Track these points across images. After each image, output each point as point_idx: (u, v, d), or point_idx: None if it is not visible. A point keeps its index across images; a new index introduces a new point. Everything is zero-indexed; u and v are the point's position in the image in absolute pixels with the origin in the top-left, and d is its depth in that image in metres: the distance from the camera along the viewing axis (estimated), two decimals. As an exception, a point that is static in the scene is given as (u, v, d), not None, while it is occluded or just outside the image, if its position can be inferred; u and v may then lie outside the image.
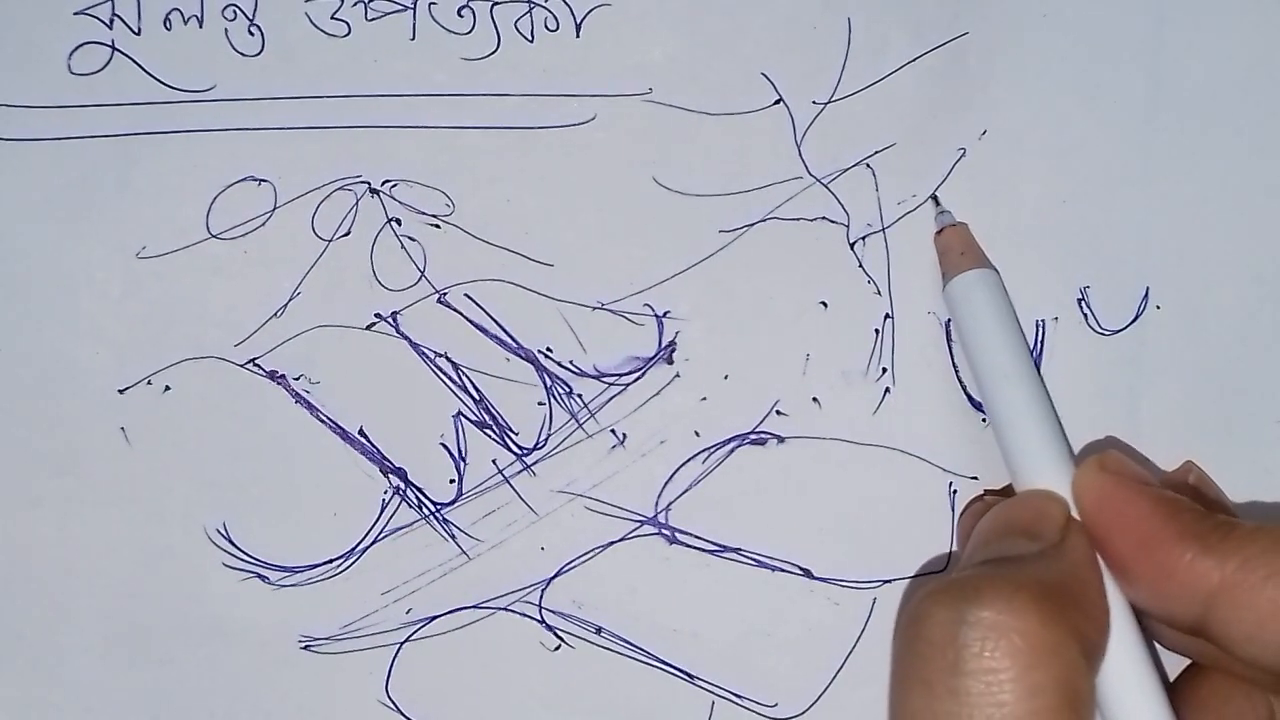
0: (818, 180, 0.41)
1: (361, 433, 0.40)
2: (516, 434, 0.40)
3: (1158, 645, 0.35)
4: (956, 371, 0.40)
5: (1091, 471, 0.35)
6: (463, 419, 0.40)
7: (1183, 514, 0.33)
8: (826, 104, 0.40)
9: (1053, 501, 0.35)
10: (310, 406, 0.40)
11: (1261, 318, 0.41)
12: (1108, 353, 0.41)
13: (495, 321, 0.40)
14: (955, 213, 0.41)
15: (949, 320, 0.40)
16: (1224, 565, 0.31)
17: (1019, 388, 0.37)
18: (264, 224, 0.40)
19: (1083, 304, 0.41)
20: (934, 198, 0.39)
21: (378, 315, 0.40)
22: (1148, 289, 0.41)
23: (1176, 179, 0.41)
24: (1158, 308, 0.41)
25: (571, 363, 0.40)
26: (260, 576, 0.40)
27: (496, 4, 0.40)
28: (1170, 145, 0.41)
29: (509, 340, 0.40)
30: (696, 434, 0.40)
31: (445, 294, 0.40)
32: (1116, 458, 0.35)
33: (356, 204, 0.40)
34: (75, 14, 0.40)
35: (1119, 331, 0.41)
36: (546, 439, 0.40)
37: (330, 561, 0.40)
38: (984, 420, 0.40)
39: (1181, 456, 0.41)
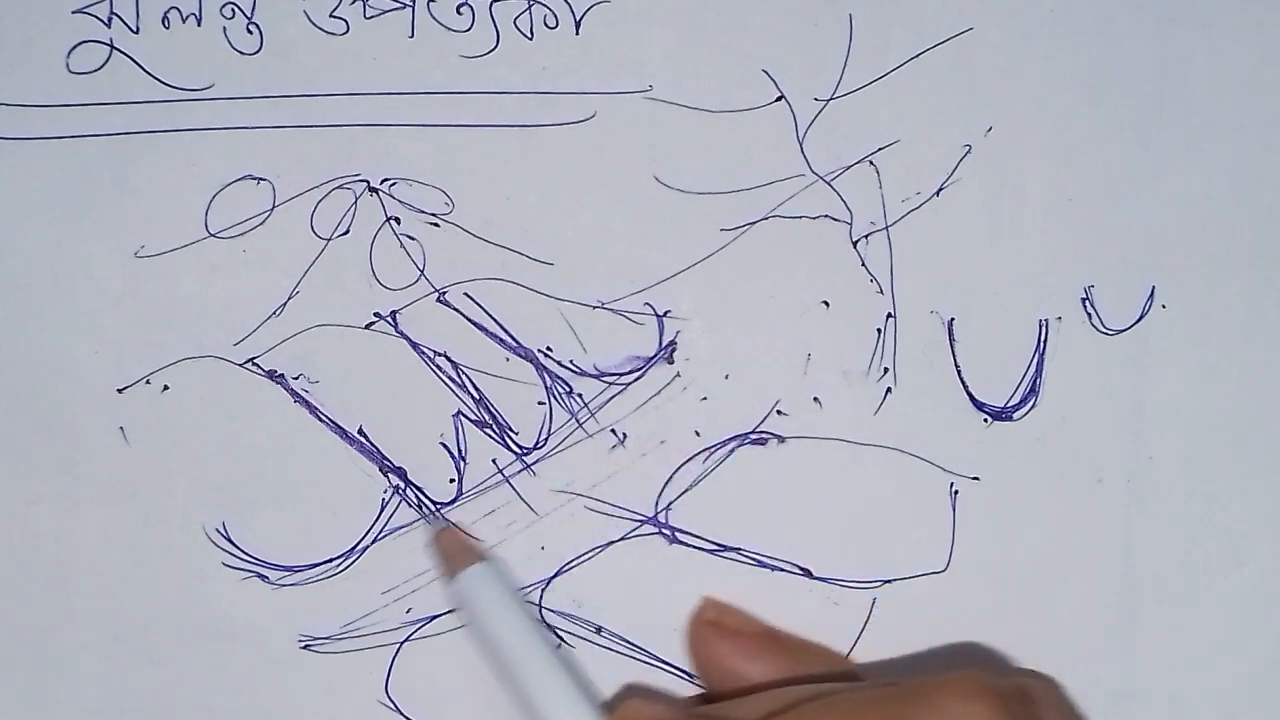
0: (820, 178, 0.40)
1: (361, 432, 0.40)
2: (516, 433, 0.40)
3: None
4: (959, 371, 0.40)
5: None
6: (462, 418, 0.40)
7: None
8: (828, 101, 0.40)
9: None
10: (309, 406, 0.40)
11: (1267, 317, 0.41)
12: (1112, 352, 0.41)
13: (495, 320, 0.40)
14: (958, 211, 0.40)
15: (952, 319, 0.40)
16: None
17: (541, 663, 0.37)
18: (263, 223, 0.40)
19: (1087, 303, 0.40)
20: (424, 511, 0.39)
21: (377, 314, 0.40)
22: (1153, 288, 0.41)
23: (1182, 177, 0.41)
24: (1163, 307, 0.41)
25: (572, 362, 0.40)
26: (260, 576, 0.40)
27: (495, 1, 0.40)
28: (1176, 142, 0.41)
29: (509, 339, 0.40)
30: (697, 434, 0.40)
31: (445, 293, 0.40)
32: (633, 707, 0.35)
33: (355, 203, 0.40)
34: (73, 12, 0.39)
35: (1123, 331, 0.41)
36: (546, 438, 0.40)
37: (330, 561, 0.40)
38: (986, 421, 0.40)
39: (1186, 456, 0.40)
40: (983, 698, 0.32)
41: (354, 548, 0.40)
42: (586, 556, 0.40)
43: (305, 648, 0.40)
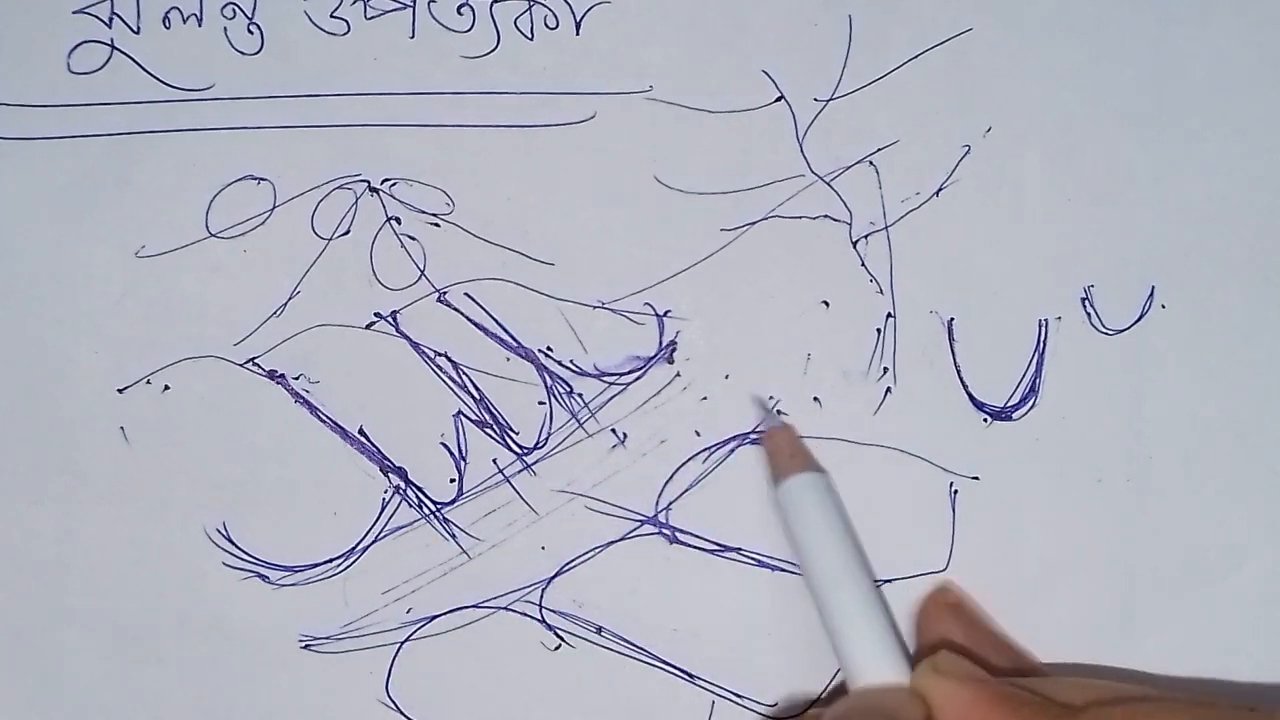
0: (820, 178, 0.40)
1: (361, 432, 0.40)
2: (517, 433, 0.40)
3: None
4: (958, 371, 0.40)
5: (928, 675, 0.36)
6: (463, 418, 0.40)
7: (1024, 708, 0.34)
8: (828, 101, 0.40)
9: (914, 700, 0.36)
10: (310, 406, 0.40)
11: (1268, 317, 0.41)
12: (1112, 352, 0.41)
13: (495, 320, 0.40)
14: (957, 211, 0.40)
15: (952, 319, 0.40)
16: None
17: (851, 591, 0.37)
18: (263, 223, 0.40)
19: (1087, 303, 0.40)
20: (763, 404, 0.39)
21: (377, 314, 0.40)
22: (1153, 288, 0.41)
23: (1182, 177, 0.41)
24: (1163, 307, 0.41)
25: (572, 362, 0.40)
26: (260, 576, 0.40)
27: (496, 2, 0.40)
28: (1176, 142, 0.41)
29: (509, 339, 0.40)
30: (697, 434, 0.40)
31: (445, 293, 0.40)
32: (949, 659, 0.36)
33: (356, 203, 0.40)
34: (74, 13, 0.39)
35: (1123, 331, 0.41)
36: (547, 438, 0.40)
37: (330, 561, 0.40)
38: (985, 420, 0.40)
39: (1186, 456, 0.40)
40: None
41: (354, 548, 0.40)
42: (587, 556, 0.40)
43: (305, 647, 0.40)
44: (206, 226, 0.40)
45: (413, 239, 0.40)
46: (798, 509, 0.38)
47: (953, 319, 0.40)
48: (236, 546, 0.40)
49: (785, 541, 0.38)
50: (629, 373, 0.40)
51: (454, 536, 0.40)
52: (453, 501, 0.40)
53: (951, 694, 0.35)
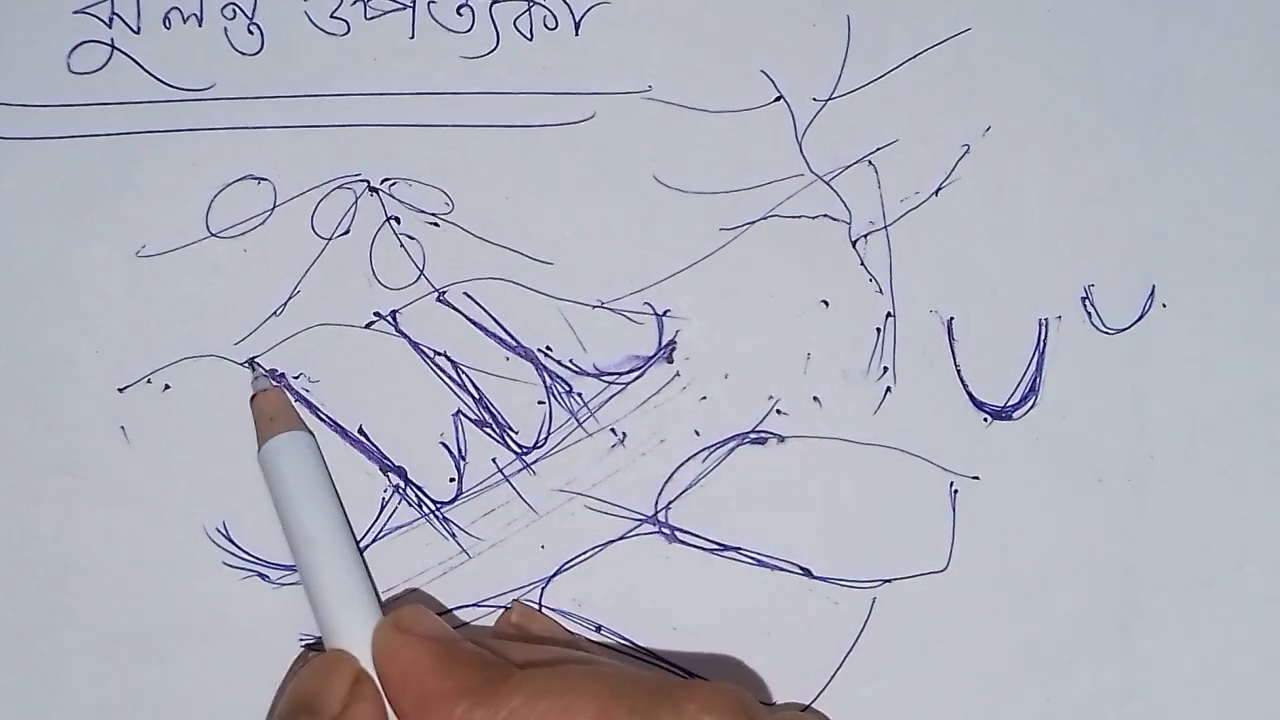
0: (819, 178, 0.40)
1: (361, 431, 0.40)
2: (516, 433, 0.40)
3: None
4: (958, 371, 0.40)
5: (384, 630, 0.36)
6: (462, 418, 0.40)
7: (460, 668, 0.34)
8: (827, 101, 0.40)
9: (337, 667, 0.36)
10: (310, 405, 0.40)
11: (1268, 316, 0.41)
12: (1112, 352, 0.41)
13: (495, 320, 0.40)
14: (957, 211, 0.40)
15: (951, 319, 0.40)
16: (494, 714, 0.33)
17: (323, 550, 0.37)
18: (263, 222, 0.40)
19: (1087, 302, 0.40)
20: (251, 363, 0.39)
21: (377, 314, 0.40)
22: (1153, 287, 0.41)
23: (1182, 176, 0.41)
24: (1164, 306, 0.41)
25: (571, 361, 0.40)
26: (260, 575, 0.40)
27: (495, 2, 0.40)
28: (1175, 141, 0.41)
29: (508, 339, 0.40)
30: (696, 433, 0.40)
31: (445, 292, 0.40)
32: (412, 613, 0.36)
33: (356, 202, 0.40)
34: (75, 13, 0.40)
35: (1124, 330, 0.41)
36: (546, 438, 0.40)
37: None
38: (986, 420, 0.40)
39: (1186, 456, 0.40)
40: (730, 714, 0.32)
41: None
42: (586, 555, 0.40)
43: (306, 646, 0.40)
44: (207, 226, 0.40)
45: (412, 239, 0.40)
46: (276, 470, 0.38)
47: (952, 319, 0.40)
48: (236, 546, 0.40)
49: (271, 503, 0.38)
50: (628, 372, 0.40)
51: (454, 536, 0.40)
52: (452, 501, 0.40)
53: (395, 651, 0.35)
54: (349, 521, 0.38)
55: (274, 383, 0.39)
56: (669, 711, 0.32)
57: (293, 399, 0.40)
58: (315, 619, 0.37)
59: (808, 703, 0.40)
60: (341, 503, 0.39)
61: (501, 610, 0.40)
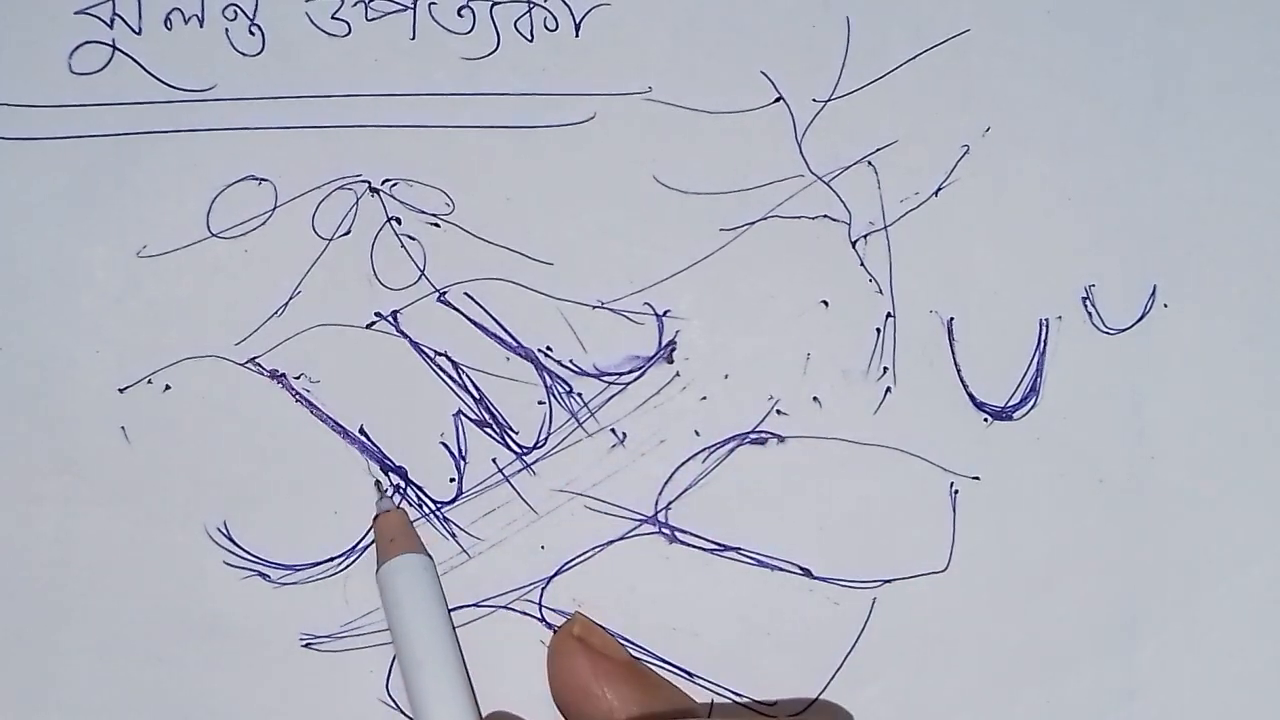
0: (819, 178, 0.40)
1: (362, 431, 0.40)
2: (516, 433, 0.40)
3: None
4: (958, 371, 0.40)
5: (563, 640, 0.38)
6: (463, 418, 0.40)
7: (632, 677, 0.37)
8: (827, 102, 0.40)
9: None
10: (310, 405, 0.40)
11: (1268, 316, 0.41)
12: (1113, 352, 0.41)
13: (495, 320, 0.40)
14: (956, 211, 0.40)
15: (951, 319, 0.40)
16: None
17: (432, 674, 0.37)
18: (264, 223, 0.40)
19: (1088, 302, 0.40)
20: (377, 483, 0.39)
21: (378, 314, 0.40)
22: (1154, 287, 0.41)
23: (1182, 175, 0.41)
24: (1165, 306, 0.41)
25: (571, 362, 0.40)
26: (261, 575, 0.40)
27: (496, 4, 0.40)
28: (1175, 141, 0.41)
29: (509, 339, 0.40)
30: (696, 433, 0.40)
31: (445, 293, 0.40)
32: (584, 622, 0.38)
33: (356, 203, 0.40)
34: (76, 13, 0.40)
35: (1125, 330, 0.41)
36: (546, 438, 0.40)
37: (331, 560, 0.40)
38: (986, 420, 0.40)
39: (1187, 456, 0.40)
40: None
41: (355, 547, 0.40)
42: (586, 556, 0.40)
43: (306, 646, 0.40)
44: (207, 226, 0.40)
45: (413, 239, 0.40)
46: (394, 591, 0.38)
47: (953, 319, 0.40)
48: (237, 545, 0.40)
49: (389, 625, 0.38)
50: (628, 372, 0.40)
51: (454, 536, 0.40)
52: (452, 501, 0.40)
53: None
54: (459, 647, 0.38)
55: (397, 505, 0.39)
56: None
57: (294, 393, 0.40)
58: None
59: (809, 703, 0.40)
60: (454, 627, 0.39)
61: (497, 611, 0.40)
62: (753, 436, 0.40)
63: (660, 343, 0.40)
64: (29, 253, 0.40)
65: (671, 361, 0.40)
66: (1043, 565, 0.40)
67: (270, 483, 0.40)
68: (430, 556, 0.39)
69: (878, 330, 0.40)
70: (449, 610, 0.39)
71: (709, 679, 0.40)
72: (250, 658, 0.39)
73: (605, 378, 0.40)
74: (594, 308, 0.40)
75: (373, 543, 0.40)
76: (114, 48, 0.40)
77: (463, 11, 0.40)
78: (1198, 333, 0.41)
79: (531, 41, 0.40)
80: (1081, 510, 0.40)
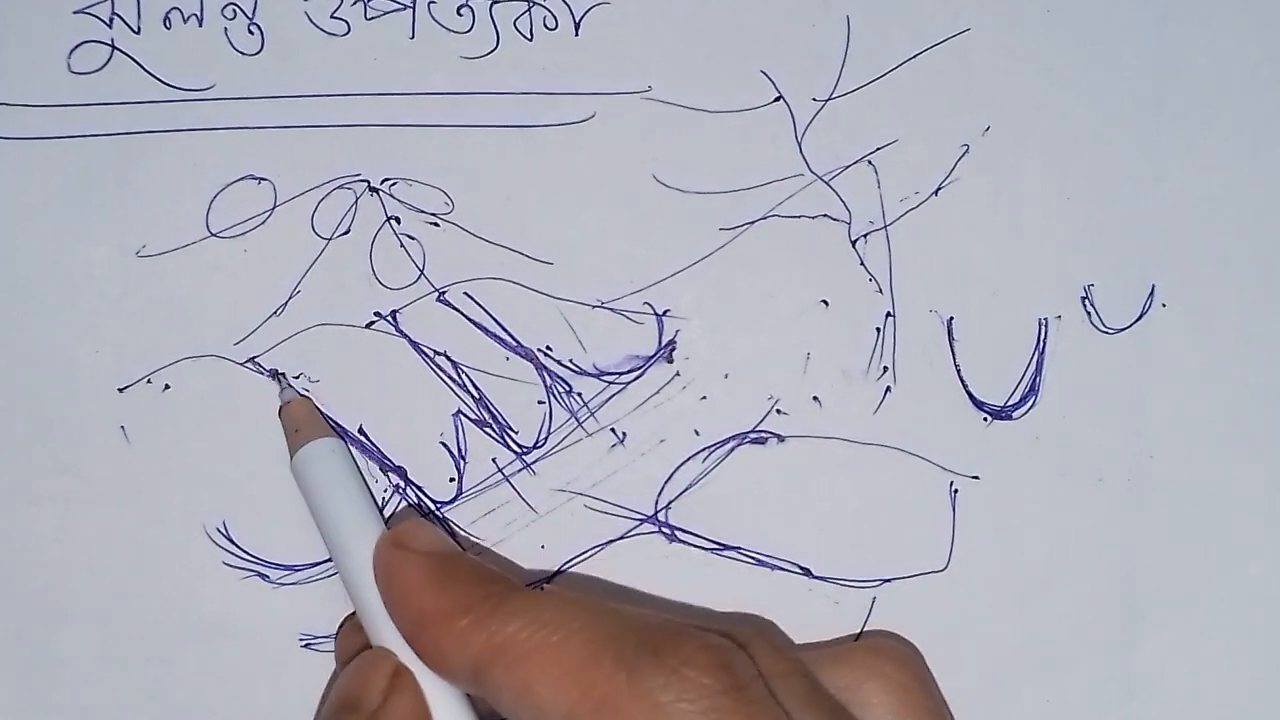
0: (819, 178, 0.40)
1: (361, 431, 0.40)
2: (516, 432, 0.40)
3: None
4: (958, 371, 0.40)
5: (382, 547, 0.36)
6: (462, 417, 0.40)
7: (459, 584, 0.34)
8: (827, 101, 0.40)
9: (377, 664, 0.35)
10: (310, 405, 0.40)
11: (1268, 316, 0.41)
12: (1112, 351, 0.41)
13: (495, 320, 0.40)
14: (956, 211, 0.40)
15: (951, 318, 0.40)
16: (492, 638, 0.32)
17: (362, 553, 0.36)
18: (263, 222, 0.40)
19: (1086, 302, 0.40)
20: (275, 374, 0.39)
21: (377, 314, 0.40)
22: (1153, 286, 0.41)
23: (1182, 175, 0.41)
24: (1163, 305, 0.41)
25: (571, 361, 0.40)
26: (261, 575, 0.40)
27: (495, 2, 0.40)
28: (1175, 141, 0.41)
29: (508, 339, 0.40)
30: (696, 433, 0.40)
31: (445, 292, 0.40)
32: (411, 527, 0.36)
33: (356, 202, 0.40)
34: (75, 13, 0.40)
35: (1124, 330, 0.41)
36: (546, 437, 0.40)
37: (331, 560, 0.40)
38: (986, 420, 0.40)
39: (1186, 456, 0.40)
40: (712, 670, 0.31)
41: (354, 547, 0.40)
42: (586, 555, 0.40)
43: (306, 646, 0.40)
44: (207, 226, 0.40)
45: (412, 239, 0.40)
46: (310, 478, 0.38)
47: (952, 318, 0.40)
48: (237, 546, 0.40)
49: (312, 515, 0.38)
50: (628, 372, 0.40)
51: (454, 536, 0.40)
52: (452, 501, 0.40)
53: (394, 566, 0.35)
54: (385, 521, 0.38)
55: (301, 392, 0.39)
56: (652, 664, 0.31)
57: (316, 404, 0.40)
58: (360, 621, 0.37)
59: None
60: (377, 503, 0.38)
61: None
62: (753, 436, 0.40)
63: (660, 342, 0.40)
64: (28, 252, 0.39)
65: (671, 361, 0.40)
66: (1042, 565, 0.40)
67: (270, 483, 0.40)
68: (343, 438, 0.39)
69: (878, 330, 0.40)
70: (373, 494, 0.38)
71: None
72: (250, 658, 0.39)
73: (605, 377, 0.40)
74: (594, 307, 0.40)
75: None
76: (113, 47, 0.40)
77: (462, 10, 0.40)
78: (1196, 332, 0.41)
79: (531, 40, 0.40)
80: (1081, 510, 0.40)
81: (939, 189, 0.40)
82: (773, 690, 0.32)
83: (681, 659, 0.31)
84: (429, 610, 0.34)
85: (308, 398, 0.39)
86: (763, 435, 0.40)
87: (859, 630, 0.40)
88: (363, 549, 0.36)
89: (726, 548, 0.40)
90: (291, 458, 0.38)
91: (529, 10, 0.40)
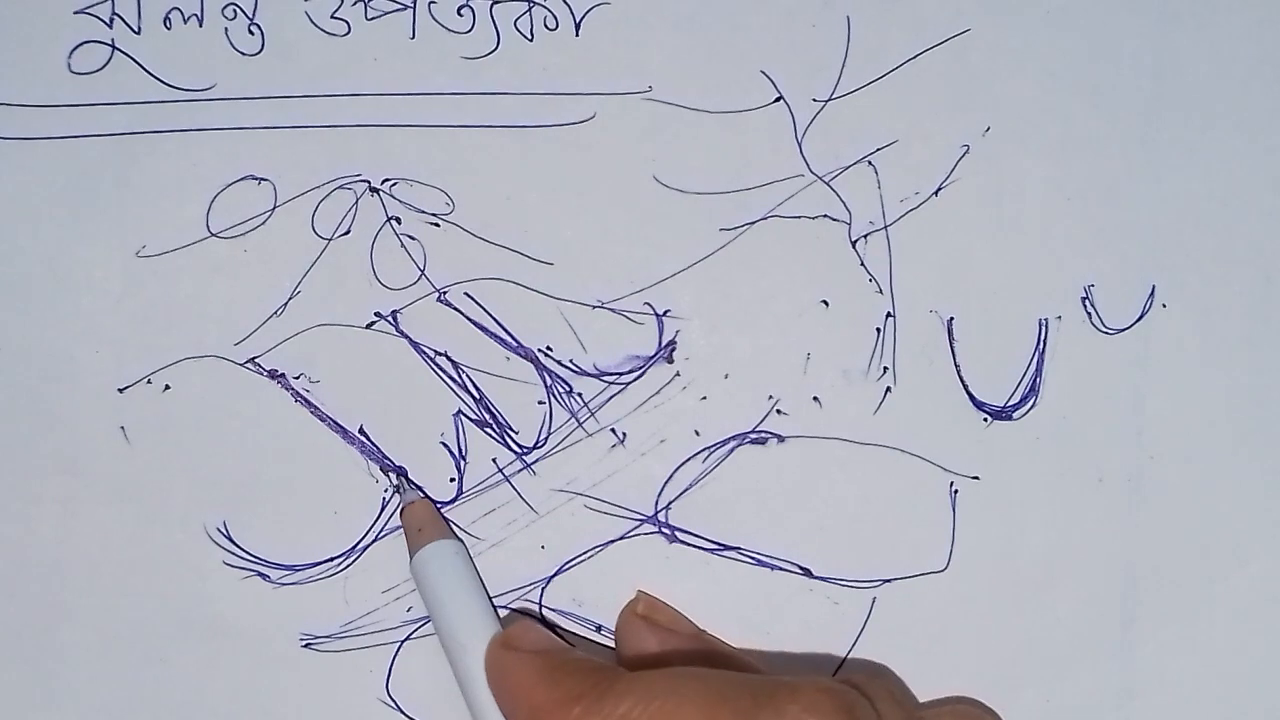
0: (819, 178, 0.40)
1: (362, 431, 0.40)
2: (516, 433, 0.40)
3: None
4: (958, 371, 0.40)
5: (493, 649, 0.37)
6: (463, 418, 0.40)
7: (568, 676, 0.35)
8: (827, 101, 0.40)
9: None
10: (310, 405, 0.40)
11: (1268, 316, 0.41)
12: (1112, 352, 0.41)
13: (495, 320, 0.40)
14: (956, 211, 0.40)
15: (951, 319, 0.40)
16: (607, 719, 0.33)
17: (478, 655, 0.37)
18: (264, 223, 0.40)
19: (1087, 302, 0.40)
20: (398, 475, 0.40)
21: (377, 314, 0.40)
22: (1153, 287, 0.41)
23: (1182, 175, 0.41)
24: (1164, 306, 0.41)
25: (571, 361, 0.40)
26: (261, 575, 0.40)
27: (496, 3, 0.40)
28: (1175, 141, 0.41)
29: (509, 339, 0.40)
30: (696, 433, 0.40)
31: (445, 293, 0.40)
32: (520, 629, 0.37)
33: (356, 203, 0.40)
34: (75, 13, 0.40)
35: (1124, 330, 0.41)
36: (546, 438, 0.40)
37: (331, 560, 0.40)
38: (986, 420, 0.40)
39: (1186, 456, 0.40)
40: (831, 714, 0.32)
41: (354, 547, 0.40)
42: (586, 555, 0.40)
43: (306, 646, 0.40)
44: (207, 226, 0.40)
45: (413, 239, 0.40)
46: (429, 579, 0.38)
47: (952, 318, 0.40)
48: (237, 546, 0.40)
49: (429, 613, 0.39)
50: (628, 372, 0.40)
51: (454, 536, 0.40)
52: (452, 501, 0.40)
53: (505, 667, 0.36)
54: (500, 622, 0.38)
55: (421, 495, 0.40)
56: (771, 713, 0.32)
57: (293, 393, 0.40)
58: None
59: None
60: (493, 603, 0.39)
61: (509, 611, 0.40)
62: (753, 436, 0.40)
63: (660, 343, 0.40)
64: (28, 252, 0.39)
65: (671, 361, 0.40)
66: (1042, 565, 0.40)
67: (270, 483, 0.40)
68: (461, 541, 0.39)
69: (878, 330, 0.40)
70: (488, 593, 0.39)
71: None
72: (250, 658, 0.39)
73: (605, 377, 0.40)
74: (594, 307, 0.40)
75: (374, 542, 0.40)
76: (113, 47, 0.40)
77: (462, 11, 0.40)
78: (1196, 333, 0.41)
79: (531, 41, 0.40)
80: (1081, 510, 0.40)
81: (939, 189, 0.40)
82: None
83: (803, 705, 0.32)
84: (541, 703, 0.34)
85: (428, 499, 0.40)
86: (763, 435, 0.40)
87: (859, 630, 0.40)
88: (478, 649, 0.37)
89: (726, 548, 0.40)
90: (411, 558, 0.39)
91: (529, 10, 0.40)
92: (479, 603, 0.38)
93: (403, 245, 0.40)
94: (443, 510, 0.40)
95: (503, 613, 0.40)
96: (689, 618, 0.39)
